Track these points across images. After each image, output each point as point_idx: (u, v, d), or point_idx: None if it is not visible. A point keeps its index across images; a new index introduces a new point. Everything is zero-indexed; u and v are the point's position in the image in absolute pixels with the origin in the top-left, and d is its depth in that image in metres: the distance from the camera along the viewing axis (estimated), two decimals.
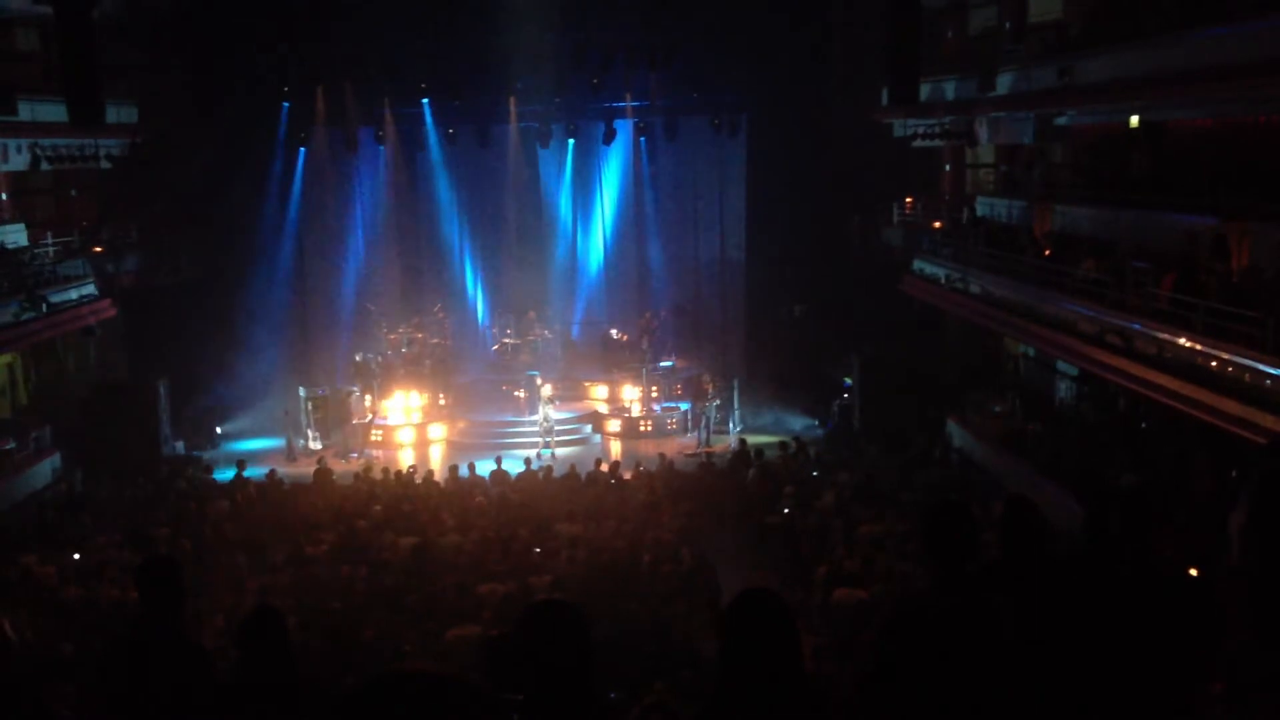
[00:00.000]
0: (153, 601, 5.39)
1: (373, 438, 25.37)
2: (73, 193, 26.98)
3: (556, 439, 24.47)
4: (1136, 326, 15.67)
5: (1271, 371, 12.68)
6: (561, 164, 28.79)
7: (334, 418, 25.33)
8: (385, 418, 25.95)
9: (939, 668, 4.09)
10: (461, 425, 26.14)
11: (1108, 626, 4.56)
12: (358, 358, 26.69)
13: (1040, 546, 5.10)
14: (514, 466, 21.45)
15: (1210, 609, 4.63)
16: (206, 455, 24.00)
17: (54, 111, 21.95)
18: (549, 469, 21.23)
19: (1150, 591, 4.71)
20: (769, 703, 3.44)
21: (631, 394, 26.39)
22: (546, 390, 24.84)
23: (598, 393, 27.36)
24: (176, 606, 5.44)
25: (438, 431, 25.95)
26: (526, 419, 25.60)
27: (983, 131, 24.34)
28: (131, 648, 5.45)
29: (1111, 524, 5.09)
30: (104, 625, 13.38)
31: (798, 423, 25.70)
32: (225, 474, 21.91)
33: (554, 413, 24.67)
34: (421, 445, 25.54)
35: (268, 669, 5.19)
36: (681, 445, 24.76)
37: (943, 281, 23.34)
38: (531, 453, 22.89)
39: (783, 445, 22.16)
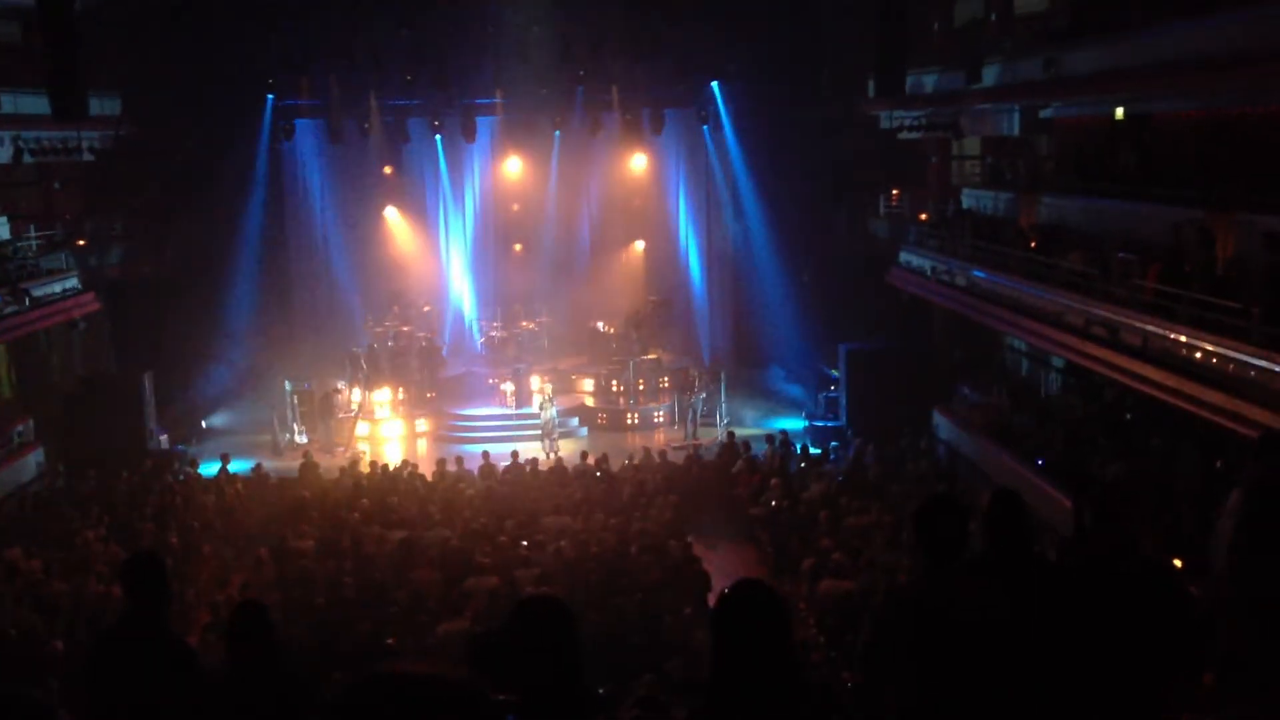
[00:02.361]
0: (138, 597, 5.36)
1: (358, 432, 25.31)
2: (56, 185, 26.80)
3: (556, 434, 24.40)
4: (1122, 318, 15.70)
5: (1256, 363, 12.72)
6: (547, 156, 28.71)
7: (320, 411, 25.23)
8: (371, 411, 25.88)
9: (929, 657, 4.09)
10: (448, 419, 26.09)
11: (1092, 618, 4.56)
12: (345, 351, 26.63)
13: (1025, 539, 5.12)
14: (501, 460, 21.43)
15: (1194, 601, 4.64)
16: (192, 449, 23.89)
17: (36, 104, 21.80)
18: (534, 461, 21.22)
19: (1134, 583, 4.72)
20: (762, 695, 3.43)
21: (618, 387, 26.36)
22: (549, 389, 24.79)
23: (584, 385, 27.34)
24: (162, 602, 5.41)
25: (424, 425, 25.90)
26: (514, 412, 25.56)
27: (969, 123, 24.35)
28: (117, 643, 5.42)
29: (1092, 515, 5.10)
30: (90, 620, 13.33)
31: (785, 415, 25.74)
32: (210, 468, 21.85)
33: (555, 411, 24.52)
34: (408, 439, 25.49)
35: (255, 662, 5.17)
36: (669, 438, 24.77)
37: (929, 273, 23.36)
38: (522, 446, 22.83)
39: (769, 438, 22.18)
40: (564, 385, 27.24)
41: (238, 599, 14.37)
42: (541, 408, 24.41)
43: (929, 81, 25.03)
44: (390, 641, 12.06)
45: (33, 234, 23.90)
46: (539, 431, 24.09)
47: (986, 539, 5.12)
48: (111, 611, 12.82)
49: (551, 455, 22.82)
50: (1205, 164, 17.22)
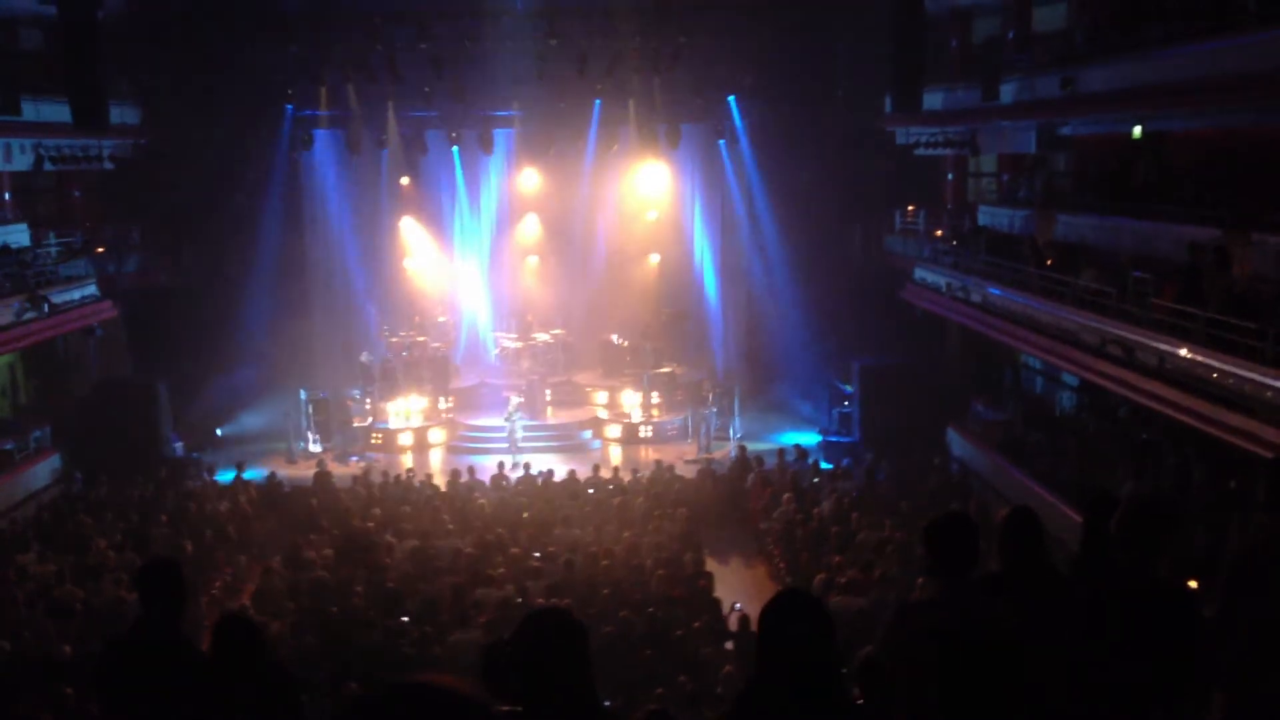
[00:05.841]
0: (153, 603, 5.38)
1: (373, 441, 25.37)
2: (75, 193, 27.00)
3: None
4: (1137, 337, 15.66)
5: (1272, 383, 12.68)
6: (564, 169, 28.77)
7: (334, 420, 25.30)
8: (386, 421, 25.94)
9: (941, 675, 4.09)
10: (462, 429, 26.13)
11: (1106, 636, 4.56)
12: (361, 359, 26.70)
13: (1040, 557, 5.11)
14: (514, 471, 21.45)
15: (1205, 623, 4.62)
16: (206, 457, 23.98)
17: (57, 112, 21.95)
18: (550, 473, 21.20)
19: (1148, 602, 4.71)
20: (803, 703, 3.42)
21: (632, 400, 26.37)
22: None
23: (598, 398, 27.35)
24: (177, 609, 5.43)
25: (438, 435, 25.95)
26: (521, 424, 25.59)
27: (985, 140, 24.35)
28: (131, 649, 5.44)
29: (1112, 531, 5.08)
30: (103, 626, 13.38)
31: (798, 430, 25.71)
32: (225, 475, 21.92)
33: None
34: (421, 449, 25.54)
35: (242, 674, 5.19)
36: (681, 451, 24.75)
37: (944, 290, 23.35)
38: (534, 457, 22.86)
39: (782, 452, 22.15)
40: (578, 397, 27.30)
41: (251, 607, 14.44)
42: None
43: (946, 98, 25.04)
44: (404, 650, 12.08)
45: (52, 241, 24.05)
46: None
47: (1001, 556, 5.12)
48: (125, 618, 12.87)
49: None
50: (1222, 183, 17.19)
